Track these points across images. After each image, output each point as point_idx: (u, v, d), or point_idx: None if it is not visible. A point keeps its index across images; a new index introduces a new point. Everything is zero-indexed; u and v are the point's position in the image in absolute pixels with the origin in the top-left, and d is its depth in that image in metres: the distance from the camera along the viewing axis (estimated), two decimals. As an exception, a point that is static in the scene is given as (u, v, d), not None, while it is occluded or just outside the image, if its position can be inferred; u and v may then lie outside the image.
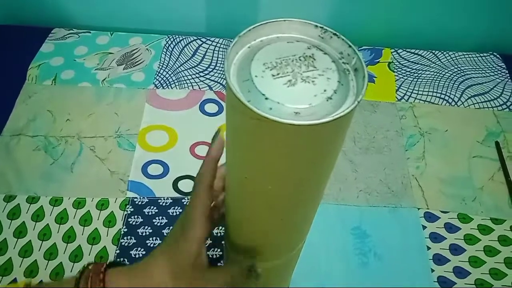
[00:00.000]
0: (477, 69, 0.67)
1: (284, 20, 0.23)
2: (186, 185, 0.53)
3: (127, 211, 0.50)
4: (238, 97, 0.20)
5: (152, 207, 0.51)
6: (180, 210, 0.51)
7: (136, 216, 0.50)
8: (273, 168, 0.23)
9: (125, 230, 0.49)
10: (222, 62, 0.67)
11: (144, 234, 0.49)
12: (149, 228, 0.49)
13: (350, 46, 0.23)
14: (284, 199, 0.26)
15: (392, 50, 0.69)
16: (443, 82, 0.65)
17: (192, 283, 0.30)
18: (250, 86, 0.21)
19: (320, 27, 0.23)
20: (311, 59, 0.22)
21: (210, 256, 0.47)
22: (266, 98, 0.20)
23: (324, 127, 0.19)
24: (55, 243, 0.48)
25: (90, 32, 0.69)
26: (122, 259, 0.47)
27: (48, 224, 0.49)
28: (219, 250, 0.48)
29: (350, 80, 0.22)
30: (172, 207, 0.51)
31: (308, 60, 0.22)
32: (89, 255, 0.47)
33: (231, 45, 0.22)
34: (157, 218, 0.50)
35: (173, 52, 0.67)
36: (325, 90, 0.21)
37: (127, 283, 0.30)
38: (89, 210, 0.50)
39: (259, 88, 0.20)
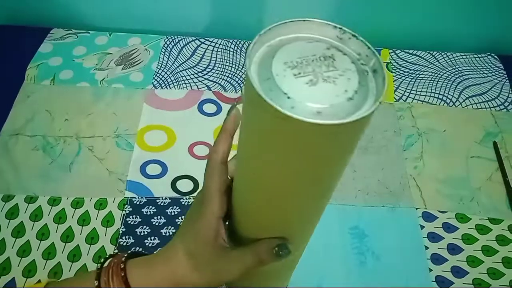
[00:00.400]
0: (475, 70, 0.68)
1: (303, 20, 0.24)
2: (184, 185, 0.53)
3: (125, 210, 0.50)
4: (261, 95, 0.20)
5: (150, 206, 0.51)
6: (179, 210, 0.51)
7: (134, 216, 0.50)
8: (289, 165, 0.23)
9: (124, 229, 0.49)
10: (221, 63, 0.67)
11: (142, 233, 0.49)
12: (148, 227, 0.49)
13: (369, 48, 0.23)
14: (296, 196, 0.26)
15: (390, 51, 0.69)
16: (441, 83, 0.65)
17: (213, 264, 0.29)
18: (271, 84, 0.21)
19: (339, 28, 0.24)
20: (331, 60, 0.22)
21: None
22: (289, 97, 0.20)
23: (346, 127, 0.20)
24: (53, 242, 0.48)
25: (88, 33, 0.69)
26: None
27: (46, 223, 0.49)
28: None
29: (369, 81, 0.22)
30: (171, 207, 0.51)
31: (328, 61, 0.22)
32: (87, 254, 0.47)
33: (251, 43, 0.22)
34: (155, 217, 0.50)
35: (171, 52, 0.68)
36: (346, 91, 0.21)
37: (147, 272, 0.29)
38: (87, 210, 0.50)
39: (281, 87, 0.21)
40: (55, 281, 0.33)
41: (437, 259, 0.48)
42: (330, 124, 0.19)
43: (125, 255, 0.30)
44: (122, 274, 0.29)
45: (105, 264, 0.30)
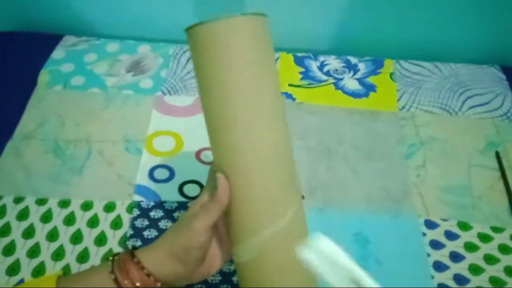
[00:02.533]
0: (477, 80, 0.69)
1: None
2: (191, 190, 0.54)
3: (133, 214, 0.51)
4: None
5: (158, 210, 0.52)
6: (185, 214, 0.52)
7: (142, 219, 0.51)
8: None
9: (132, 232, 0.50)
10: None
11: (149, 237, 0.50)
12: (155, 231, 0.50)
13: None
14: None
15: (394, 61, 0.71)
16: (444, 93, 0.66)
17: (187, 221, 0.35)
18: None
19: None
20: None
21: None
22: None
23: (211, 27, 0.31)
24: (62, 244, 0.49)
25: (99, 40, 0.71)
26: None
27: (56, 226, 0.50)
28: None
29: None
30: (178, 211, 0.52)
31: None
32: (95, 256, 0.48)
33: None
34: (162, 221, 0.51)
35: (180, 60, 0.69)
36: None
37: (151, 252, 0.35)
38: (96, 213, 0.51)
39: None
40: (64, 277, 0.36)
41: (439, 267, 0.49)
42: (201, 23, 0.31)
43: (131, 249, 0.36)
44: (132, 257, 0.35)
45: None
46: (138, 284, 0.33)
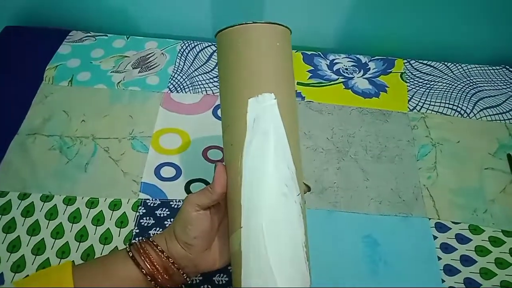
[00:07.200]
0: (489, 82, 0.68)
1: None
2: (198, 188, 0.53)
3: (139, 212, 0.51)
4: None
5: (164, 209, 0.51)
6: (192, 213, 0.51)
7: (148, 218, 0.50)
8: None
9: (137, 231, 0.49)
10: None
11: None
12: (161, 229, 0.50)
13: None
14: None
15: (405, 61, 0.70)
16: (455, 94, 0.65)
17: (180, 212, 0.37)
18: None
19: None
20: None
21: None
22: None
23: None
24: (67, 241, 0.48)
25: (106, 35, 0.70)
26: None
27: (61, 222, 0.50)
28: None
29: None
30: (184, 210, 0.51)
31: None
32: (101, 254, 0.47)
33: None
34: (168, 220, 0.50)
35: (187, 57, 0.68)
36: None
37: (161, 237, 0.38)
38: (101, 210, 0.51)
39: None
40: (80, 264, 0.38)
41: (450, 270, 0.48)
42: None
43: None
44: (150, 240, 0.37)
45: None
46: (154, 261, 0.36)
